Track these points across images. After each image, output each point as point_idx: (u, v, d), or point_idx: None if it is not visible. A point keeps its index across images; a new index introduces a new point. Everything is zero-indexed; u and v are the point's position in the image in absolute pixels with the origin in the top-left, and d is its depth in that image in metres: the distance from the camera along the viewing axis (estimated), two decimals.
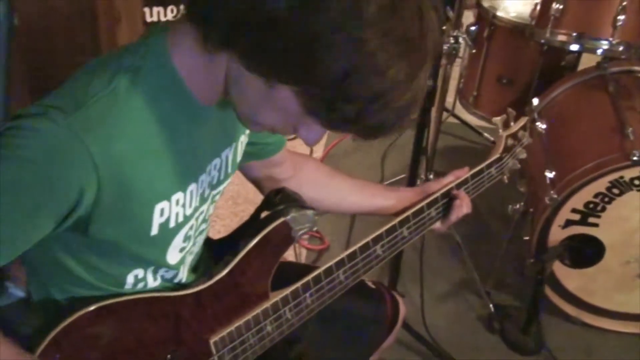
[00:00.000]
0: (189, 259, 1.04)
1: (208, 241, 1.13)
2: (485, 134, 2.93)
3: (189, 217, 0.97)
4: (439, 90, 2.27)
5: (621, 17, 1.91)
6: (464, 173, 1.34)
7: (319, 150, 2.90)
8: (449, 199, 1.29)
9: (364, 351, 1.41)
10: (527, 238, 2.06)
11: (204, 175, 0.98)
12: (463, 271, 2.34)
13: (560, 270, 2.06)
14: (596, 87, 2.12)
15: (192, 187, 0.95)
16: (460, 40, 2.01)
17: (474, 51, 2.31)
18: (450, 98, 2.85)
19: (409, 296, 2.17)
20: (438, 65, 1.94)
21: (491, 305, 2.19)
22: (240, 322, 1.01)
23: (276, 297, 1.03)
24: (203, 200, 1.00)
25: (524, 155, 1.47)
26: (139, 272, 0.97)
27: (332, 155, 2.87)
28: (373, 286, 1.45)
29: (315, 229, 2.45)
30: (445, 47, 1.97)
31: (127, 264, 0.95)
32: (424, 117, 2.00)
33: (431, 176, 2.30)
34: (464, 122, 2.98)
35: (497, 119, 1.42)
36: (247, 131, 1.10)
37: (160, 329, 0.94)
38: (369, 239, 1.14)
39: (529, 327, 2.10)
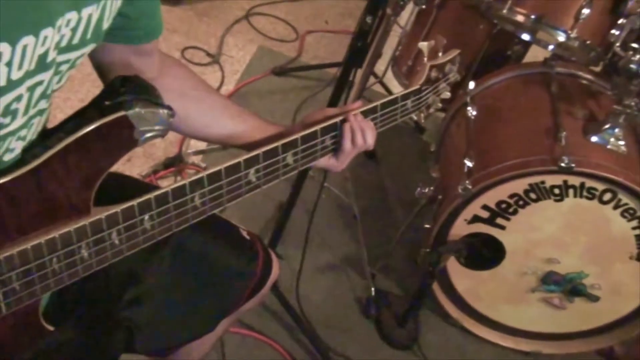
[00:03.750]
0: (16, 145, 0.76)
1: (45, 133, 0.85)
2: None
3: (17, 83, 0.70)
4: (372, 50, 2.06)
5: (586, 11, 1.74)
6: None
7: (230, 83, 2.62)
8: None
9: (219, 308, 1.18)
10: (428, 226, 1.89)
11: (49, 29, 0.70)
12: (352, 247, 2.15)
13: (453, 267, 1.91)
14: (538, 83, 1.95)
15: (27, 41, 0.68)
16: None
17: (423, 7, 2.09)
18: (382, 66, 2.64)
19: (287, 260, 1.96)
20: (382, 12, 1.72)
21: (373, 289, 2.02)
22: (40, 240, 0.74)
23: (100, 213, 0.77)
24: (44, 65, 0.73)
25: (447, 95, 1.26)
26: None
27: (244, 93, 2.60)
28: (247, 237, 1.21)
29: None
30: None
31: None
32: (347, 75, 1.77)
33: None
34: (390, 93, 2.77)
35: (424, 44, 1.19)
36: None
37: None
38: (240, 159, 0.90)
39: (406, 320, 1.95)
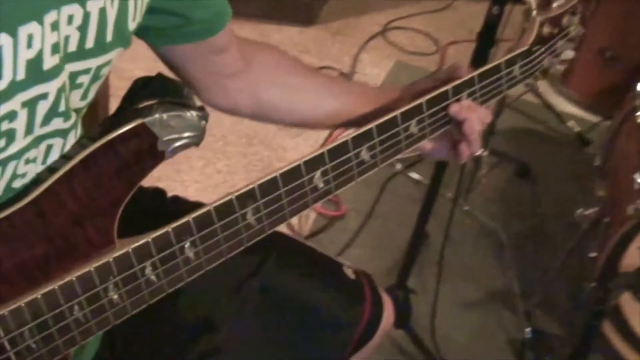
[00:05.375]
0: (27, 170, 0.63)
1: None
2: (570, 123, 2.38)
3: (2, 97, 0.55)
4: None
5: None
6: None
7: None
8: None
9: None
10: (593, 255, 1.59)
11: (33, 25, 0.55)
12: (501, 279, 1.88)
13: (629, 304, 1.58)
14: None
15: (1, 41, 0.53)
16: None
17: None
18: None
19: (422, 293, 1.73)
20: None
21: (528, 330, 1.73)
22: (54, 286, 0.59)
23: (127, 246, 0.61)
24: (39, 74, 0.58)
25: (570, 55, 1.01)
26: None
27: None
28: (352, 276, 1.01)
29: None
30: None
31: None
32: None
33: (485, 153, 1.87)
34: (548, 105, 2.44)
35: None
36: None
37: None
38: (300, 161, 0.71)
39: None
